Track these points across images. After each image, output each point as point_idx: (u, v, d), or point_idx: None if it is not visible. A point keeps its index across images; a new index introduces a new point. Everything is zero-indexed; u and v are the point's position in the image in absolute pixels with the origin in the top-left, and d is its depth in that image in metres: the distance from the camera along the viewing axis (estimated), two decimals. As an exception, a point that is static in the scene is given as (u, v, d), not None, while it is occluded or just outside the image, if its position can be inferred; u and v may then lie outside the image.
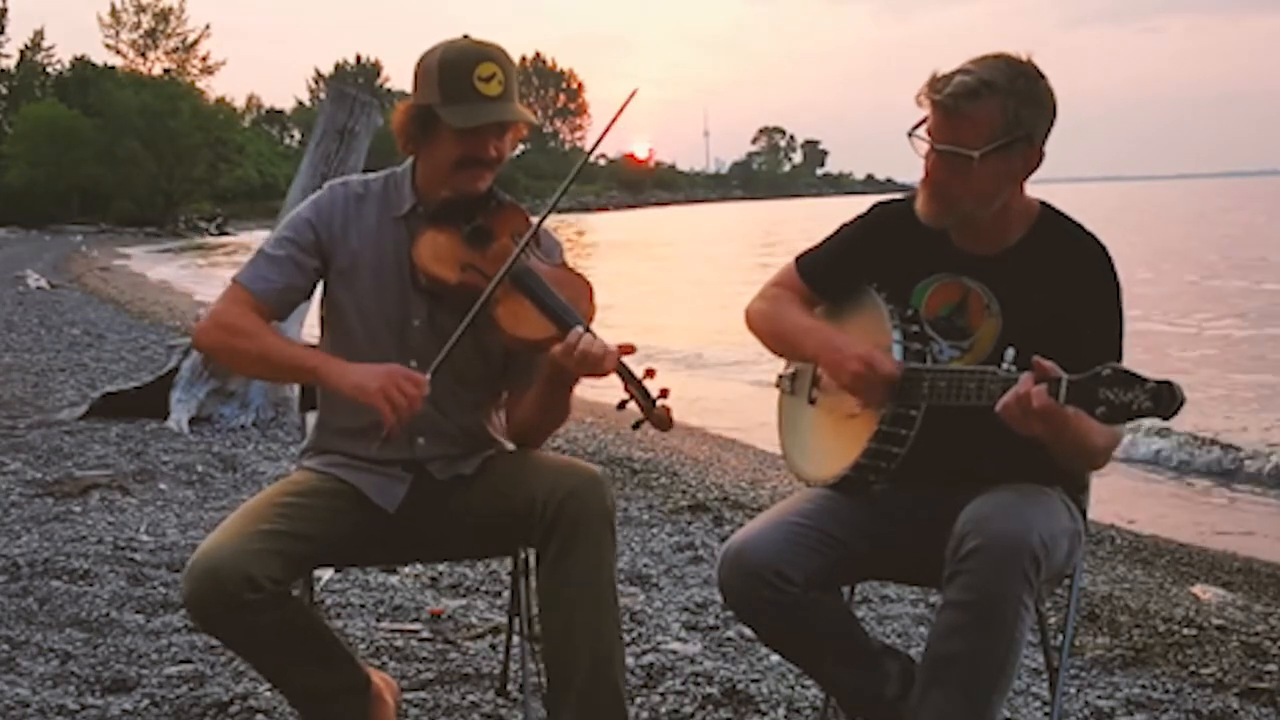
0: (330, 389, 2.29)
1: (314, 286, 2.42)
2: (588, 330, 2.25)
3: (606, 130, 2.44)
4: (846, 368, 2.21)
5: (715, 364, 11.91)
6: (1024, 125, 2.14)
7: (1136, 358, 2.07)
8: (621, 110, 2.36)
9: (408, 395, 2.20)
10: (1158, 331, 13.60)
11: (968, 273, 2.29)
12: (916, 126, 2.20)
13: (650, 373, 2.23)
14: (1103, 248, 2.26)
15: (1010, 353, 2.08)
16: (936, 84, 2.15)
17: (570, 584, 2.23)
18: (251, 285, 2.36)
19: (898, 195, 2.41)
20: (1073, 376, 1.94)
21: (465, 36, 2.37)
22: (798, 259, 2.47)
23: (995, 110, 2.12)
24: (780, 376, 2.54)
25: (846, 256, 2.40)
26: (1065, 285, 2.21)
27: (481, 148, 2.32)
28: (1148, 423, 1.97)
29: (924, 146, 2.20)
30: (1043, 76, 2.17)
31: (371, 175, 2.48)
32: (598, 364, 2.21)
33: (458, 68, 2.29)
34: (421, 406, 2.24)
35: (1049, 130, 2.19)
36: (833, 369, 2.26)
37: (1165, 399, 1.86)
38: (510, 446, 2.53)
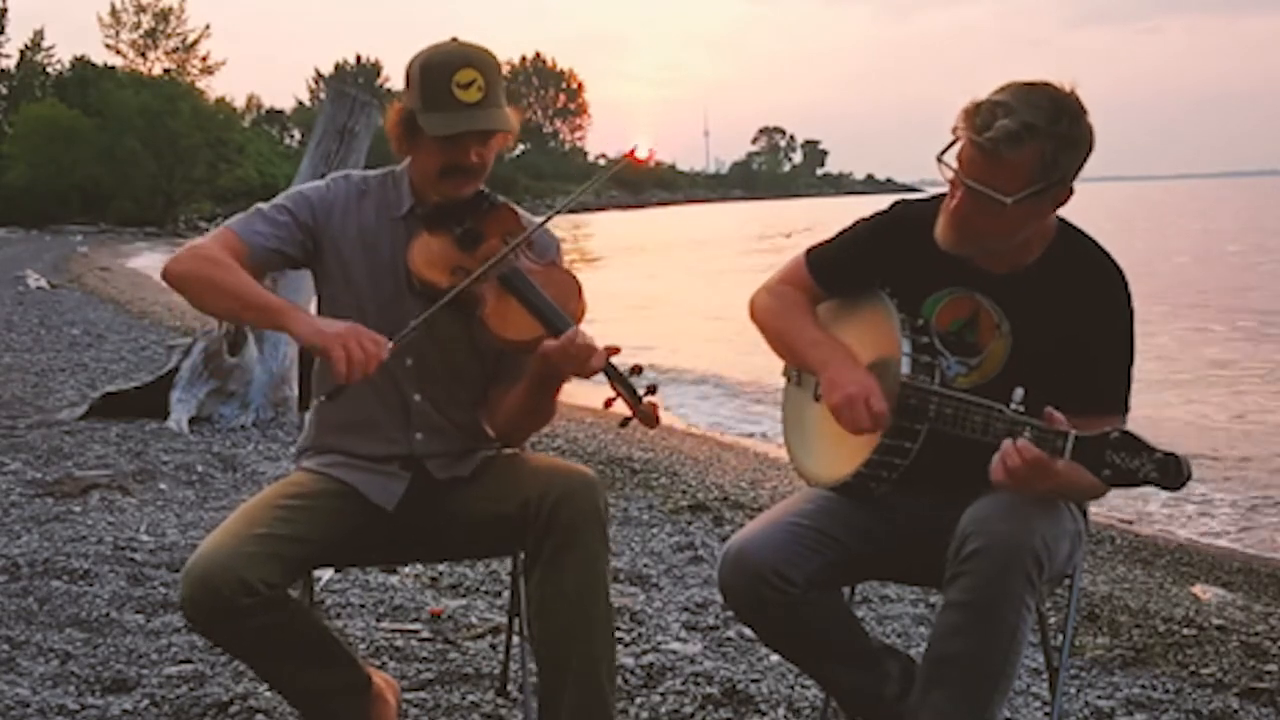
0: (291, 333, 2.23)
1: (297, 260, 2.38)
2: (577, 330, 2.24)
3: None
4: (844, 392, 2.19)
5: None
6: (1060, 169, 2.08)
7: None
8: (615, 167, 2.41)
9: (366, 351, 2.14)
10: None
11: (981, 290, 2.25)
12: (946, 149, 2.12)
13: (637, 369, 2.23)
14: (1119, 271, 2.22)
15: (1019, 393, 2.04)
16: (976, 122, 2.06)
17: (563, 592, 2.22)
18: (242, 233, 2.32)
19: (921, 195, 2.36)
20: (1081, 434, 1.92)
21: (453, 39, 2.35)
22: (808, 253, 2.43)
23: (1035, 156, 2.04)
24: (787, 366, 2.52)
25: (860, 256, 2.36)
26: (1078, 310, 2.19)
27: (462, 155, 2.30)
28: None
29: (951, 174, 2.13)
30: (1084, 112, 2.08)
31: (372, 172, 2.48)
32: (586, 363, 2.20)
33: (436, 74, 2.27)
34: (382, 371, 2.18)
35: (1083, 166, 2.12)
36: (828, 389, 2.23)
37: (1172, 472, 1.85)
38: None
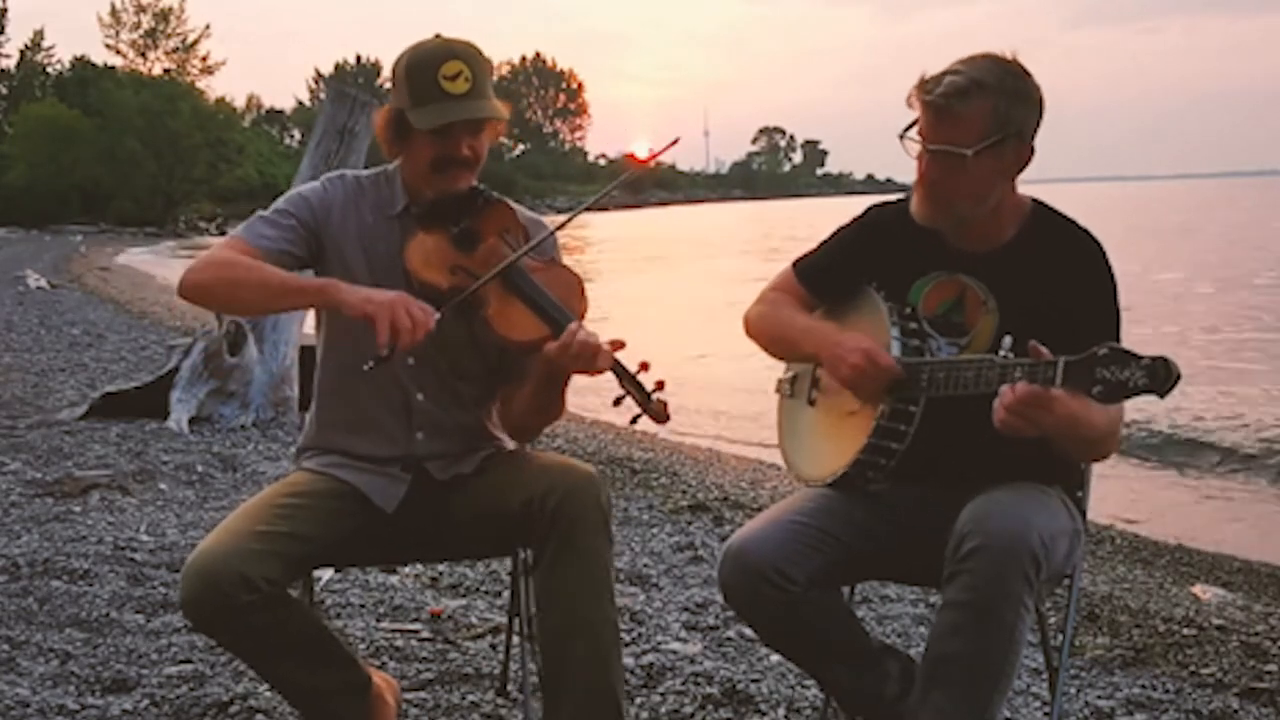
0: (339, 305, 2.22)
1: (304, 261, 2.38)
2: (581, 327, 2.24)
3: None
4: (847, 360, 2.21)
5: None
6: (1014, 123, 2.16)
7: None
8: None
9: (414, 319, 2.16)
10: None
11: (964, 270, 2.30)
12: (908, 128, 2.21)
13: (645, 366, 2.22)
14: (1096, 241, 2.27)
15: (1007, 340, 2.07)
16: (927, 85, 2.17)
17: (567, 586, 2.22)
18: (250, 239, 2.32)
19: (892, 196, 2.43)
20: (1070, 358, 1.94)
21: (436, 36, 2.36)
22: (795, 263, 2.48)
23: (986, 109, 2.14)
24: (780, 381, 2.54)
25: (843, 259, 2.41)
26: (1060, 278, 2.22)
27: (454, 147, 2.31)
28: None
29: (916, 148, 2.22)
30: (1028, 74, 2.19)
31: (365, 172, 2.48)
32: (592, 361, 2.19)
33: (422, 68, 2.28)
34: (423, 344, 2.19)
35: (1038, 126, 2.21)
36: (832, 364, 2.26)
37: (1160, 375, 1.84)
38: (510, 443, 2.53)
